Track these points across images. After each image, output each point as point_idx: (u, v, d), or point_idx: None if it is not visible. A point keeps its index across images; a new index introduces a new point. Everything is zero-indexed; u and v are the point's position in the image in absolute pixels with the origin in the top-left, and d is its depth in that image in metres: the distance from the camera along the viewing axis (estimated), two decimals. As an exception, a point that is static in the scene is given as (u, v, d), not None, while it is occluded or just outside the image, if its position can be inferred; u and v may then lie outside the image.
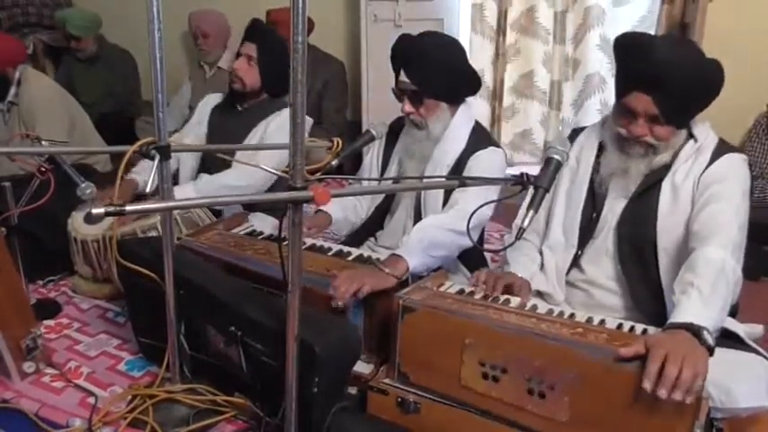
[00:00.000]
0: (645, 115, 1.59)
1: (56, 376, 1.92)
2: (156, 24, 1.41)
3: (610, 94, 3.58)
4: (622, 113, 1.65)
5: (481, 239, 2.18)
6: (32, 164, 2.20)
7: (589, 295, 1.79)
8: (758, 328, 1.66)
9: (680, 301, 1.41)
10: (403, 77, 1.93)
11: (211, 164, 2.50)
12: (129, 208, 1.03)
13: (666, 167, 1.68)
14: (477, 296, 1.64)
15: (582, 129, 1.88)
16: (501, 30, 3.75)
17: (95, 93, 3.97)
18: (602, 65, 3.69)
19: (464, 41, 2.75)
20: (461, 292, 1.68)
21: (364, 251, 2.02)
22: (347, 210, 2.17)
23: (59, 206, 2.14)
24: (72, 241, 2.33)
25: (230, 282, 1.71)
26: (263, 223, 2.25)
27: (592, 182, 1.78)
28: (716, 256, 1.48)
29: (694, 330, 1.32)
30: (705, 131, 1.68)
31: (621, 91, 1.64)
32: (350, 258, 1.93)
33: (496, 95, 3.88)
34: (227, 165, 2.40)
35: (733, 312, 1.65)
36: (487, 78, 3.86)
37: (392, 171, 2.13)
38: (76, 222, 2.32)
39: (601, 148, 1.78)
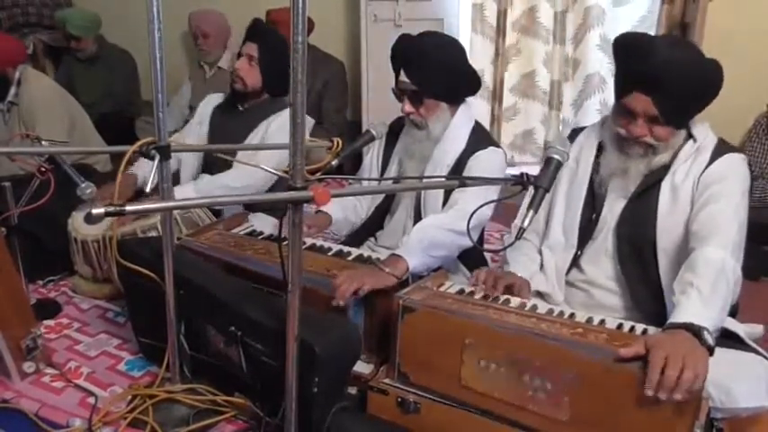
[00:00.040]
0: (644, 116, 1.59)
1: (56, 376, 1.92)
2: (156, 24, 1.41)
3: (610, 95, 3.57)
4: (622, 114, 1.65)
5: (481, 239, 2.18)
6: (32, 164, 2.20)
7: (589, 295, 1.79)
8: (758, 328, 1.66)
9: (680, 301, 1.41)
10: (403, 77, 1.94)
11: (213, 164, 2.50)
12: (129, 208, 1.03)
13: (666, 168, 1.68)
14: (477, 296, 1.64)
15: (581, 129, 1.88)
16: (501, 30, 3.75)
17: (95, 93, 3.97)
18: (602, 65, 3.69)
19: (464, 41, 2.75)
20: (461, 292, 1.68)
21: (364, 251, 2.02)
22: (347, 210, 2.17)
23: (59, 206, 2.14)
24: (72, 241, 2.33)
25: (230, 282, 1.71)
26: (264, 223, 2.25)
27: (591, 182, 1.78)
28: (716, 256, 1.48)
29: (694, 330, 1.32)
30: (704, 131, 1.68)
31: (621, 91, 1.64)
32: (350, 258, 1.93)
33: (496, 95, 3.88)
34: (228, 165, 2.40)
35: (733, 312, 1.65)
36: (487, 78, 3.86)
37: (392, 171, 2.13)
38: (76, 222, 2.32)
39: (600, 149, 1.78)
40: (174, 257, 1.64)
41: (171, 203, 1.67)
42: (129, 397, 1.78)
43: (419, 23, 3.54)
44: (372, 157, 2.20)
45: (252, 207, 2.43)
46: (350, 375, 1.62)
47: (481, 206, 1.45)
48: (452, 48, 1.97)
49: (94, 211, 1.00)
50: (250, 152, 2.39)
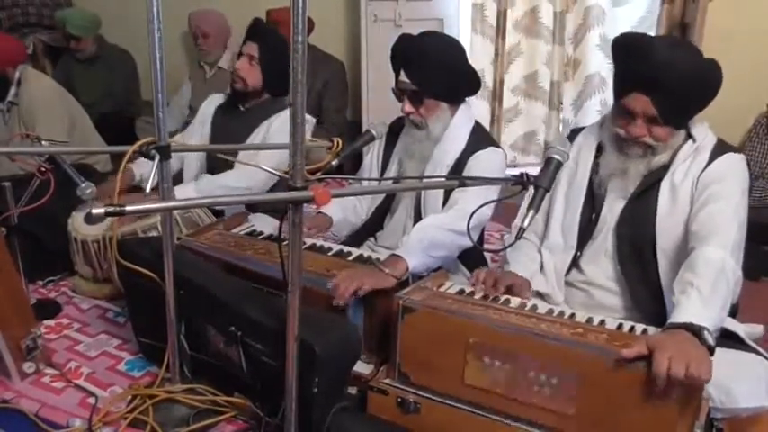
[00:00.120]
0: (643, 116, 1.59)
1: (56, 376, 1.92)
2: (156, 24, 1.41)
3: (610, 95, 3.56)
4: (621, 114, 1.65)
5: (481, 239, 2.18)
6: (32, 164, 2.20)
7: (589, 296, 1.79)
8: (758, 328, 1.67)
9: (680, 301, 1.41)
10: (403, 77, 1.94)
11: (216, 165, 2.49)
12: (128, 208, 1.03)
13: (665, 168, 1.68)
14: (477, 296, 1.64)
15: (580, 129, 1.88)
16: (501, 30, 3.75)
17: (95, 93, 3.97)
18: (602, 65, 3.69)
19: (464, 41, 2.75)
20: (461, 292, 1.68)
21: (364, 251, 2.02)
22: (347, 211, 2.17)
23: (59, 206, 2.14)
24: (72, 241, 2.33)
25: (230, 282, 1.71)
26: (264, 223, 2.25)
27: (591, 183, 1.77)
28: (715, 255, 1.48)
29: (694, 330, 1.32)
30: (703, 131, 1.68)
31: (620, 92, 1.64)
32: (350, 258, 1.93)
33: (496, 96, 3.88)
34: (230, 166, 2.40)
35: (733, 312, 1.65)
36: (487, 79, 3.86)
37: (392, 171, 2.13)
38: (76, 222, 2.32)
39: (599, 149, 1.78)
40: (174, 257, 1.64)
41: (171, 203, 1.67)
42: (129, 397, 1.78)
43: (419, 23, 3.54)
44: (372, 157, 2.20)
45: (252, 207, 2.43)
46: (350, 375, 1.62)
47: (481, 206, 1.45)
48: (452, 48, 1.97)
49: (94, 211, 1.00)
50: (251, 152, 2.39)
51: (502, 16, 3.72)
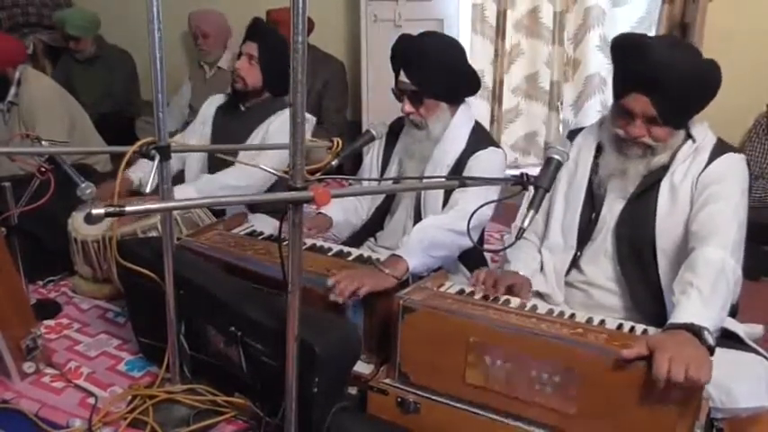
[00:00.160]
0: (643, 116, 1.59)
1: (56, 376, 1.92)
2: (156, 24, 1.41)
3: (610, 95, 3.56)
4: (620, 114, 1.65)
5: (481, 239, 2.18)
6: (32, 164, 2.20)
7: (588, 296, 1.79)
8: (758, 328, 1.67)
9: (680, 302, 1.41)
10: (403, 77, 1.94)
11: (217, 165, 2.49)
12: (128, 208, 1.03)
13: (665, 168, 1.68)
14: (477, 296, 1.64)
15: (579, 130, 1.88)
16: (501, 30, 3.76)
17: (94, 93, 3.96)
18: (602, 65, 3.69)
19: (464, 42, 2.75)
20: (461, 292, 1.68)
21: (364, 251, 2.02)
22: (348, 212, 2.17)
23: (59, 206, 2.14)
24: (72, 241, 2.33)
25: (230, 282, 1.71)
26: (264, 224, 2.25)
27: (590, 183, 1.77)
28: (715, 256, 1.48)
29: (695, 330, 1.32)
30: (703, 131, 1.68)
31: (619, 92, 1.64)
32: (350, 258, 1.93)
33: (496, 96, 3.88)
34: (230, 166, 2.40)
35: (733, 312, 1.65)
36: (487, 79, 3.86)
37: (392, 171, 2.13)
38: (76, 222, 2.32)
39: (599, 150, 1.78)
40: (174, 257, 1.64)
41: (171, 203, 1.67)
42: (129, 397, 1.78)
43: (419, 23, 3.54)
44: (372, 157, 2.20)
45: (252, 207, 2.43)
46: (350, 375, 1.62)
47: (481, 206, 1.45)
48: (452, 48, 1.97)
49: (94, 211, 1.00)
50: (251, 152, 2.39)
51: (502, 16, 3.72)
